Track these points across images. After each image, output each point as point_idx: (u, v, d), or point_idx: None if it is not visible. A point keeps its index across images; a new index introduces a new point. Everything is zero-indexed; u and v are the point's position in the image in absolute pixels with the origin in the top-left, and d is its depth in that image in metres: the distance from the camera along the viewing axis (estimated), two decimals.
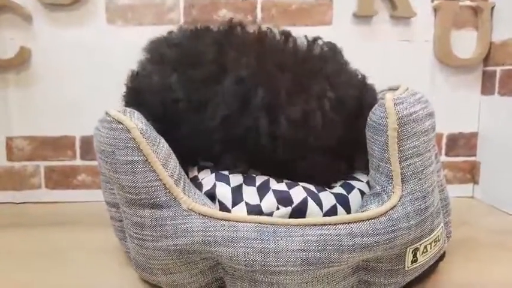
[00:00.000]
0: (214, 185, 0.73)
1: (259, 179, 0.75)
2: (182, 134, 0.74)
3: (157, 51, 0.81)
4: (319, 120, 0.71)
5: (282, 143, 0.71)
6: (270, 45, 0.78)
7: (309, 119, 0.71)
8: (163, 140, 0.70)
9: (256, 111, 0.70)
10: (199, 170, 0.78)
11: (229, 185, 0.73)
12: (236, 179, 0.75)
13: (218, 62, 0.73)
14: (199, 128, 0.73)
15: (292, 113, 0.70)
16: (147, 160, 0.66)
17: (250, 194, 0.71)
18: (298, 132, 0.71)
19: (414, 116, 0.67)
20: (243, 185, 0.74)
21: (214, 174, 0.77)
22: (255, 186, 0.73)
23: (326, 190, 0.74)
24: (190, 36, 0.80)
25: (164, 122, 0.73)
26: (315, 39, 0.80)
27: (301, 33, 0.84)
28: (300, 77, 0.73)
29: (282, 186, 0.72)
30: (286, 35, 0.79)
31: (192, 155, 0.79)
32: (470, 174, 1.32)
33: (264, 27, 0.80)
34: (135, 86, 0.81)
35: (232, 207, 0.70)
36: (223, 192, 0.71)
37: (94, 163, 1.23)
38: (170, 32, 0.85)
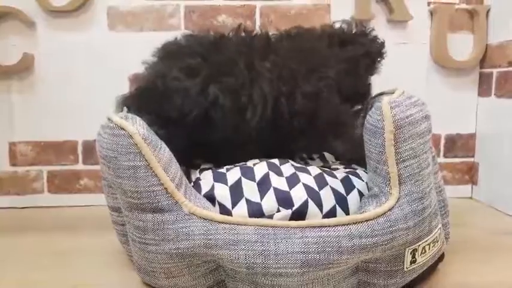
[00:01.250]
0: (213, 187, 0.74)
1: (259, 172, 0.76)
2: (217, 138, 0.80)
3: (184, 61, 0.83)
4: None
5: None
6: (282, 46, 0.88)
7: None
8: (164, 145, 0.72)
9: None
10: (200, 172, 0.80)
11: (226, 184, 0.74)
12: (234, 174, 0.77)
13: (248, 69, 0.81)
14: (239, 129, 0.80)
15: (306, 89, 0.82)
16: (149, 165, 0.67)
17: (250, 190, 0.72)
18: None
19: (410, 118, 0.69)
20: (242, 178, 0.75)
21: (212, 174, 0.78)
22: (255, 181, 0.74)
23: (327, 185, 0.75)
24: (212, 46, 0.85)
25: (195, 127, 0.79)
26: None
27: None
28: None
29: (283, 184, 0.73)
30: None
31: (226, 157, 0.83)
32: (469, 175, 1.34)
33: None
34: (162, 91, 0.82)
35: (233, 207, 0.71)
36: (222, 193, 0.73)
37: (96, 167, 1.24)
38: (186, 38, 0.90)
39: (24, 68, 1.19)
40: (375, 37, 0.96)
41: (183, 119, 0.78)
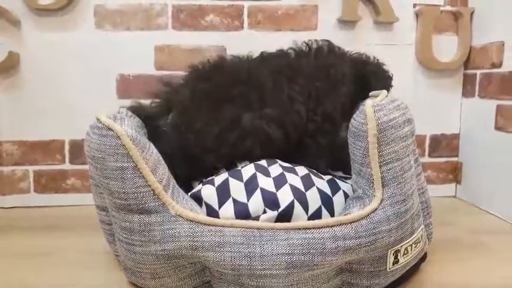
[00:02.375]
0: (201, 183, 0.76)
1: (246, 173, 0.77)
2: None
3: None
4: None
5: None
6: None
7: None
8: (152, 147, 0.72)
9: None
10: None
11: (214, 184, 0.75)
12: (221, 175, 0.78)
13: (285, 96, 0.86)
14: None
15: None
16: (136, 166, 0.67)
17: (237, 190, 0.73)
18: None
19: (393, 122, 0.70)
20: (229, 178, 0.75)
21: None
22: (242, 181, 0.75)
23: (314, 186, 0.76)
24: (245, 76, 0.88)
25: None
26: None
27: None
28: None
29: (270, 185, 0.74)
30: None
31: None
32: (453, 174, 1.36)
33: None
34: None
35: (220, 207, 0.71)
36: (209, 193, 0.73)
37: (83, 167, 1.24)
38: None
39: (9, 66, 1.18)
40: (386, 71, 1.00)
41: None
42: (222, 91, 0.84)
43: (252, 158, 0.82)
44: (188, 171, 0.82)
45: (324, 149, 0.89)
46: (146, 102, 0.94)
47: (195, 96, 0.85)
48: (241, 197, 0.72)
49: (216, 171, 0.84)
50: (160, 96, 0.89)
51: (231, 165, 0.85)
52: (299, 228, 0.65)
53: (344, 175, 0.88)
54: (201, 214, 0.69)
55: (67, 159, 1.25)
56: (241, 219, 0.69)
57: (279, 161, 0.82)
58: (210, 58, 0.94)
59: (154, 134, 0.84)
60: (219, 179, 0.76)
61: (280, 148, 0.84)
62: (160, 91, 0.90)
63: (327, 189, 0.77)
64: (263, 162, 0.81)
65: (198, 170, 0.83)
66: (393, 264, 0.69)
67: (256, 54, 0.95)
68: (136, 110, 0.86)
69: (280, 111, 0.83)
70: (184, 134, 0.83)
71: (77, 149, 1.24)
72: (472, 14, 1.26)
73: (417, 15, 1.27)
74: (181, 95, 0.87)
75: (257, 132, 0.81)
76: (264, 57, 0.94)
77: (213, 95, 0.84)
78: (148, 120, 0.86)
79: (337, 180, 0.80)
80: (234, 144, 0.81)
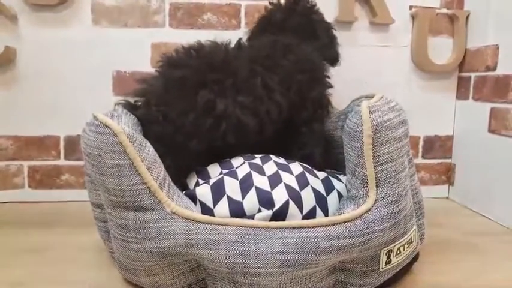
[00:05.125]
0: (197, 183, 0.77)
1: (241, 172, 0.77)
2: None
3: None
4: None
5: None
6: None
7: None
8: (149, 144, 0.73)
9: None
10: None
11: (208, 183, 0.76)
12: (216, 172, 0.79)
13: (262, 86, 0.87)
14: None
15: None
16: (132, 164, 0.68)
17: (232, 188, 0.74)
18: None
19: (388, 123, 0.71)
20: (224, 177, 0.76)
21: (195, 172, 0.80)
22: (237, 179, 0.75)
23: (308, 185, 0.76)
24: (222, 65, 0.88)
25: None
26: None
27: None
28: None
29: (265, 184, 0.74)
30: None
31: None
32: (446, 175, 1.37)
33: None
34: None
35: (214, 205, 0.72)
36: (203, 192, 0.74)
37: (78, 163, 1.24)
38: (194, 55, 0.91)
39: (6, 61, 1.18)
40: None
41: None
42: (197, 77, 0.83)
43: (230, 146, 0.82)
44: (178, 161, 0.80)
45: (319, 136, 0.93)
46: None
47: (169, 85, 0.84)
48: (236, 195, 0.73)
49: (207, 160, 0.85)
50: (137, 94, 0.88)
51: (219, 156, 0.86)
52: (293, 227, 0.66)
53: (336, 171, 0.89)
54: (196, 212, 0.69)
55: (62, 155, 1.25)
56: (236, 217, 0.70)
57: (274, 158, 0.83)
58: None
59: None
60: (214, 178, 0.77)
61: (255, 137, 0.84)
62: (136, 89, 0.89)
63: (321, 189, 0.77)
64: (257, 161, 0.81)
65: (187, 158, 0.83)
66: (386, 264, 0.70)
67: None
68: (125, 107, 0.86)
69: (255, 100, 0.83)
70: (163, 124, 0.81)
71: (72, 145, 1.24)
72: (467, 17, 1.27)
73: (413, 17, 1.28)
74: (155, 86, 0.86)
75: (231, 119, 0.80)
76: (242, 45, 0.95)
77: (187, 81, 0.82)
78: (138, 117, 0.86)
79: (332, 179, 0.81)
80: (209, 129, 0.80)
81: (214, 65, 0.84)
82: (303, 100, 0.92)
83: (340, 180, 0.82)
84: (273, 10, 1.07)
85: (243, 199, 0.72)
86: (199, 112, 0.79)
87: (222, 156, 0.86)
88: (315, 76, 0.95)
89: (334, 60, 1.05)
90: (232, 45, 0.94)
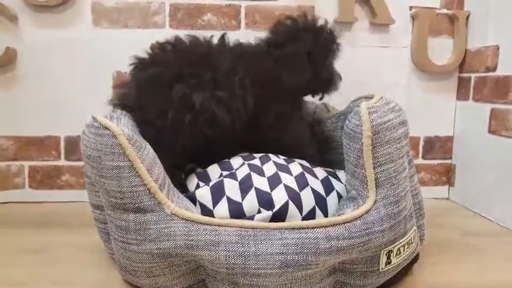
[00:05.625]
0: (198, 186, 0.77)
1: (241, 173, 0.77)
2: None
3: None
4: None
5: None
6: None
7: None
8: (148, 146, 0.73)
9: None
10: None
11: (208, 184, 0.76)
12: (215, 174, 0.78)
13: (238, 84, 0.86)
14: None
15: None
16: (132, 165, 0.68)
17: (232, 189, 0.74)
18: None
19: (388, 124, 0.71)
20: (224, 179, 0.76)
21: (195, 174, 0.80)
22: (237, 180, 0.76)
23: (308, 186, 0.76)
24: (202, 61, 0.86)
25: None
26: None
27: None
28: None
29: (264, 185, 0.75)
30: None
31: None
32: (446, 176, 1.37)
33: None
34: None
35: (214, 206, 0.72)
36: (203, 193, 0.74)
37: (78, 163, 1.24)
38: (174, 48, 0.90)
39: (6, 62, 1.18)
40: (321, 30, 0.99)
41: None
42: (173, 71, 0.82)
43: (208, 141, 0.82)
44: (168, 162, 0.78)
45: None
46: None
47: (142, 86, 0.83)
48: (236, 196, 0.73)
49: (200, 157, 0.86)
50: (118, 99, 0.86)
51: (211, 153, 0.86)
52: (293, 228, 0.66)
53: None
54: (196, 213, 0.70)
55: (62, 156, 1.25)
56: (235, 218, 0.70)
57: (273, 158, 0.83)
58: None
59: None
60: (214, 180, 0.77)
61: (230, 133, 0.83)
62: (117, 93, 0.89)
63: (321, 190, 0.78)
64: (256, 161, 0.81)
65: (177, 158, 0.82)
66: (386, 264, 0.70)
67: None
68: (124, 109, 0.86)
69: (230, 96, 0.82)
70: (144, 128, 0.80)
71: (72, 146, 1.24)
72: (467, 17, 1.27)
73: (413, 17, 1.28)
74: (130, 88, 0.85)
75: (207, 113, 0.80)
76: (226, 41, 0.94)
77: (162, 78, 0.82)
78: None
79: (331, 179, 0.81)
80: (189, 125, 0.79)
81: (193, 59, 0.84)
82: (267, 109, 0.90)
83: (339, 181, 0.82)
84: (299, 29, 0.98)
85: (242, 200, 0.72)
86: (177, 108, 0.79)
87: (214, 153, 0.86)
88: (282, 96, 0.92)
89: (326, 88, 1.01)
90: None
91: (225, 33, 0.94)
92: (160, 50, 0.88)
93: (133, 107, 0.82)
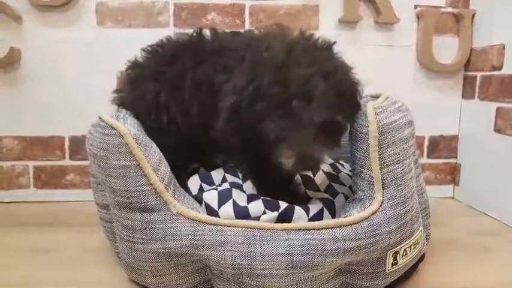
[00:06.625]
0: (201, 189, 0.77)
1: (248, 188, 0.77)
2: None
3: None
4: None
5: None
6: None
7: None
8: (154, 145, 0.73)
9: None
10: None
11: (216, 189, 0.75)
12: (218, 176, 0.79)
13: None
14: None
15: None
16: (139, 165, 0.68)
17: (239, 197, 0.74)
18: None
19: (394, 124, 0.70)
20: (233, 189, 0.76)
21: (198, 176, 0.80)
22: (245, 193, 0.76)
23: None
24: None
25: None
26: None
27: None
28: None
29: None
30: None
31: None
32: (451, 175, 1.36)
33: None
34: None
35: (219, 207, 0.72)
36: (210, 196, 0.74)
37: (83, 163, 1.24)
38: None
39: (10, 62, 1.18)
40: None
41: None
42: (149, 71, 0.84)
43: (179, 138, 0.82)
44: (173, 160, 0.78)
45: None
46: None
47: (128, 87, 0.86)
48: (242, 202, 0.73)
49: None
50: (117, 104, 0.88)
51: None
52: (299, 229, 0.66)
53: None
54: (202, 213, 0.70)
55: (67, 155, 1.25)
56: (241, 219, 0.70)
57: None
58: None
59: None
60: (222, 187, 0.77)
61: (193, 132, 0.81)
62: (114, 98, 0.90)
63: (326, 195, 0.78)
64: None
65: (172, 158, 0.80)
66: (392, 265, 0.70)
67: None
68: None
69: (191, 95, 0.80)
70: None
71: (77, 145, 1.24)
72: (473, 16, 1.27)
73: (418, 16, 1.27)
74: (126, 92, 0.88)
75: (168, 109, 0.80)
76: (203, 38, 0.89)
77: (141, 79, 0.84)
78: None
79: (335, 186, 0.81)
80: (168, 124, 0.80)
81: (166, 58, 0.85)
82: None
83: (343, 184, 0.81)
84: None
85: (248, 204, 0.72)
86: (156, 109, 0.81)
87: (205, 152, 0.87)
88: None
89: None
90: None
91: (213, 29, 0.89)
92: (149, 52, 0.89)
93: (126, 102, 0.85)
